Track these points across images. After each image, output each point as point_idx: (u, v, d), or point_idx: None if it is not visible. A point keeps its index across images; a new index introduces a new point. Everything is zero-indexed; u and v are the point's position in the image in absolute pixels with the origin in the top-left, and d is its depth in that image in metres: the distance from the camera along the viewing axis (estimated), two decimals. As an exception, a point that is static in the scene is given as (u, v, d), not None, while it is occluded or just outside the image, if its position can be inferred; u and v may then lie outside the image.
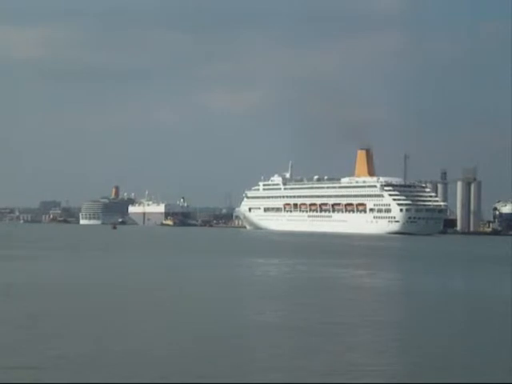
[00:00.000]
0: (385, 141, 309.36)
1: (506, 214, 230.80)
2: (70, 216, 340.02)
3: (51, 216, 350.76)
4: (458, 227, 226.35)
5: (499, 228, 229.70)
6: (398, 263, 59.98)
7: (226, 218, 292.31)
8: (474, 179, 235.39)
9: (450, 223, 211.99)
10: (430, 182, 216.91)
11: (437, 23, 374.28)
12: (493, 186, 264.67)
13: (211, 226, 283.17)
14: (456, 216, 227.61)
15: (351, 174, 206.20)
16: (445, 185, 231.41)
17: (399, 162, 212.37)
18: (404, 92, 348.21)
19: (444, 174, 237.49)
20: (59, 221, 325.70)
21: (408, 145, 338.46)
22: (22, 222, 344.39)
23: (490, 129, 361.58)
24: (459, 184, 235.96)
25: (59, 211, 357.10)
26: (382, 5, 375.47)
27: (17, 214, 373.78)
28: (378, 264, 56.37)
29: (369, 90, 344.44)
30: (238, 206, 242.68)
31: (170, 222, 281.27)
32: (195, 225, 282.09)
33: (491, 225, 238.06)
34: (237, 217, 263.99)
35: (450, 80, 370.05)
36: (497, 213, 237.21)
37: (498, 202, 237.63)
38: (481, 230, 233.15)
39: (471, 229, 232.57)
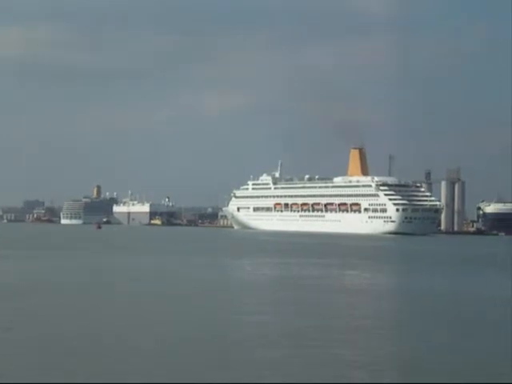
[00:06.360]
0: (371, 141, 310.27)
1: (490, 213, 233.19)
2: (54, 215, 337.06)
3: (35, 215, 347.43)
4: (442, 227, 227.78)
5: (483, 228, 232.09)
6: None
7: (212, 217, 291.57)
8: (458, 179, 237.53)
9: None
10: (414, 182, 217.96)
11: (427, 24, 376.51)
12: (476, 186, 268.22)
13: (196, 225, 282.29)
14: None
15: (341, 173, 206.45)
16: (429, 185, 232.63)
17: (384, 162, 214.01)
18: (391, 93, 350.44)
19: (428, 174, 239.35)
20: (43, 220, 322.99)
21: (392, 145, 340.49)
22: (5, 221, 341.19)
23: (474, 130, 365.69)
24: (443, 184, 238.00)
25: (43, 211, 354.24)
26: (371, 6, 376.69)
27: (0, 213, 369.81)
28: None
29: (356, 92, 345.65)
30: (224, 205, 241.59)
31: (158, 222, 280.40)
32: (180, 224, 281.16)
33: (475, 224, 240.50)
34: (222, 216, 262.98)
35: (435, 83, 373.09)
36: (481, 212, 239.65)
37: (482, 201, 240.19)
38: (465, 229, 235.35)
39: (455, 228, 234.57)
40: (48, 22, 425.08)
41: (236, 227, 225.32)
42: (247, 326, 21.92)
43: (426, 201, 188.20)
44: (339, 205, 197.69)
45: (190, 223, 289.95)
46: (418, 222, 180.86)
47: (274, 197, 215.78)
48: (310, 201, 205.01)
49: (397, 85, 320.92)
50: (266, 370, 15.85)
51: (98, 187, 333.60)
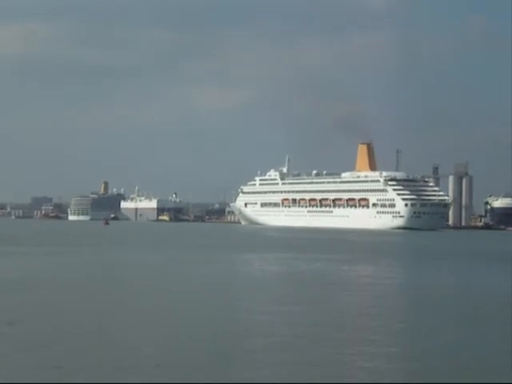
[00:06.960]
0: (376, 137, 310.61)
1: (498, 208, 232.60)
2: (61, 212, 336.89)
3: (43, 212, 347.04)
4: (450, 222, 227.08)
5: (491, 222, 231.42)
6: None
7: (219, 213, 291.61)
8: (466, 174, 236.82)
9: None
10: (422, 177, 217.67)
11: (429, 20, 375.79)
12: (484, 181, 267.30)
13: (204, 221, 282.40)
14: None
15: (349, 168, 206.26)
16: (436, 179, 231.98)
17: (391, 157, 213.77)
18: (395, 89, 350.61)
19: (436, 169, 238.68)
20: (51, 217, 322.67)
21: (397, 141, 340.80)
22: (13, 217, 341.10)
23: (481, 125, 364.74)
24: (451, 178, 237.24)
25: (51, 207, 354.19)
26: (373, 2, 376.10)
27: (8, 209, 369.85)
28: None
29: (358, 88, 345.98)
30: (232, 201, 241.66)
31: (166, 218, 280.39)
32: (188, 220, 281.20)
33: (483, 219, 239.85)
34: (229, 212, 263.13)
35: (440, 77, 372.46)
36: (488, 207, 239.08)
37: (490, 196, 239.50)
38: (472, 224, 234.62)
39: (463, 223, 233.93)
40: (48, 21, 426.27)
41: (243, 223, 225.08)
42: (253, 324, 21.79)
43: (435, 195, 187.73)
44: (347, 200, 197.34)
45: (198, 219, 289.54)
46: (427, 216, 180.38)
47: (281, 192, 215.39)
48: (318, 196, 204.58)
49: (397, 83, 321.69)
50: (268, 369, 15.76)
51: (106, 183, 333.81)
